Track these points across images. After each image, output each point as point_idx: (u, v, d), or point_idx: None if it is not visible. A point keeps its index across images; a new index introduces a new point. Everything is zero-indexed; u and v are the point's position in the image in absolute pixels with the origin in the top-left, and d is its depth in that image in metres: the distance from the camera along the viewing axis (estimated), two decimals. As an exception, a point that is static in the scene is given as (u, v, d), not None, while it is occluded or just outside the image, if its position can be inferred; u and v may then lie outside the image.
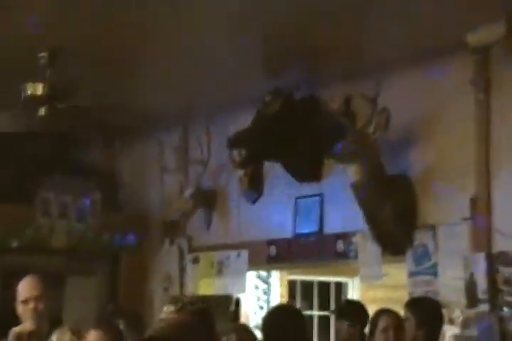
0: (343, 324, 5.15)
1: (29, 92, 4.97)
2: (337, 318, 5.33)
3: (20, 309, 3.85)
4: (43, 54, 5.00)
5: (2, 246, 6.34)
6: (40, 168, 6.78)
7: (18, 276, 6.43)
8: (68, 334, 3.92)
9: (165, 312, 2.37)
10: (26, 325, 3.74)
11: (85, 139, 7.15)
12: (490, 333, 4.57)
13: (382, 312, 4.72)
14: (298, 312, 3.89)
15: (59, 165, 6.99)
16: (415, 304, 4.56)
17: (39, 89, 4.96)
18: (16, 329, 3.71)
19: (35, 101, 5.02)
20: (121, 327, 4.86)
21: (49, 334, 3.82)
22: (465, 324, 4.74)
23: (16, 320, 5.48)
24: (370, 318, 4.84)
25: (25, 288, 3.90)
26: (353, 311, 5.19)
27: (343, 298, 6.96)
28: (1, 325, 4.20)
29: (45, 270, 6.79)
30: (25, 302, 3.82)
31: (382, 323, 4.62)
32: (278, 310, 3.95)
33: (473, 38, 4.52)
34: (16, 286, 3.89)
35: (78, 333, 3.93)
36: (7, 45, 4.92)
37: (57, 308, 6.59)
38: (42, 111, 5.09)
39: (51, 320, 4.01)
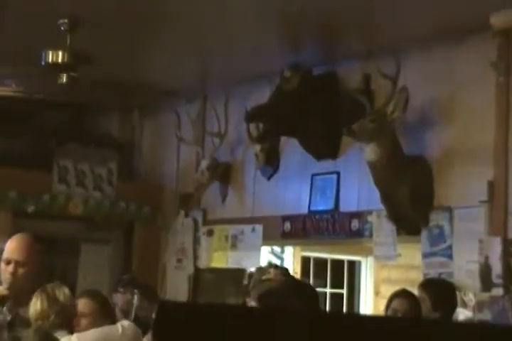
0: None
1: (50, 59, 4.94)
2: None
3: (1, 267, 3.73)
4: (63, 20, 4.96)
5: (19, 211, 6.37)
6: (59, 137, 6.79)
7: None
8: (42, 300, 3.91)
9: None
10: (1, 288, 3.67)
11: (104, 109, 7.15)
12: (503, 317, 4.54)
13: (395, 296, 4.68)
14: (311, 288, 3.87)
15: (78, 133, 7.00)
16: (430, 285, 4.54)
17: (60, 56, 4.93)
18: None
19: (56, 68, 4.99)
20: (136, 297, 4.90)
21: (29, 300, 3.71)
22: (478, 307, 4.71)
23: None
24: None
25: (11, 247, 3.74)
26: None
27: (356, 276, 6.94)
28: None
29: (60, 236, 6.93)
30: (7, 262, 3.70)
31: (393, 305, 4.59)
32: (292, 285, 3.92)
33: (497, 20, 4.44)
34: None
35: (50, 298, 3.93)
36: (29, 11, 4.89)
37: (72, 276, 6.67)
38: (62, 79, 5.07)
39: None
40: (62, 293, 3.84)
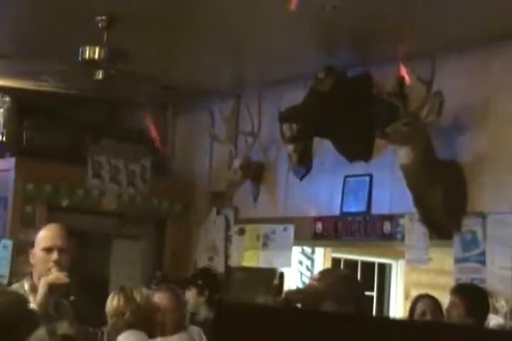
0: (190, 291, 5.19)
1: (87, 55, 4.98)
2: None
3: (37, 257, 3.55)
4: (101, 17, 4.99)
5: (53, 205, 6.43)
6: (94, 132, 6.84)
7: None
8: (119, 297, 3.87)
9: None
10: (59, 275, 3.49)
11: (139, 105, 7.18)
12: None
13: (419, 298, 4.68)
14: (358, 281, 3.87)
15: (112, 129, 7.04)
16: (464, 290, 4.51)
17: (96, 52, 4.96)
18: (49, 280, 3.47)
19: (92, 64, 5.03)
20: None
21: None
22: (510, 314, 4.66)
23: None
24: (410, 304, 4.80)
25: (50, 234, 3.59)
26: (204, 278, 5.21)
27: (386, 279, 6.90)
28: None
29: (93, 231, 6.98)
30: (49, 250, 3.54)
31: (419, 308, 4.60)
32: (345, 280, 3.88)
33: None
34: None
35: (128, 296, 3.89)
36: (67, 6, 4.92)
37: (105, 271, 6.71)
38: (98, 75, 5.10)
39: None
40: (139, 293, 3.88)
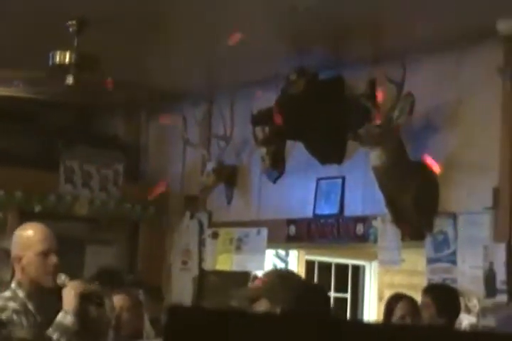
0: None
1: (57, 60, 4.96)
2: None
3: (30, 261, 3.27)
4: (72, 22, 4.98)
5: (25, 211, 6.38)
6: (65, 138, 6.81)
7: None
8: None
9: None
10: (81, 283, 3.27)
11: (110, 110, 7.16)
12: (508, 323, 4.53)
13: (397, 299, 4.67)
14: (325, 292, 3.84)
15: (84, 135, 7.02)
16: (435, 291, 4.53)
17: (67, 57, 4.94)
18: (79, 288, 3.23)
19: (63, 69, 5.01)
20: (141, 297, 4.91)
21: None
22: (482, 313, 4.70)
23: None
24: (385, 303, 4.81)
25: (43, 237, 3.30)
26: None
27: (360, 281, 6.94)
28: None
29: (66, 236, 6.92)
30: (46, 254, 3.26)
31: (399, 311, 4.57)
32: (305, 289, 3.90)
33: (504, 26, 4.43)
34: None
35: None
36: (37, 12, 4.90)
37: (78, 275, 6.67)
38: (69, 80, 5.08)
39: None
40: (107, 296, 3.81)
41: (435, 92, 5.04)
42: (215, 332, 1.46)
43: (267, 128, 5.67)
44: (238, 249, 6.28)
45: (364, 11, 4.57)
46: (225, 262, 6.39)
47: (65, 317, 3.21)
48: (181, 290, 6.67)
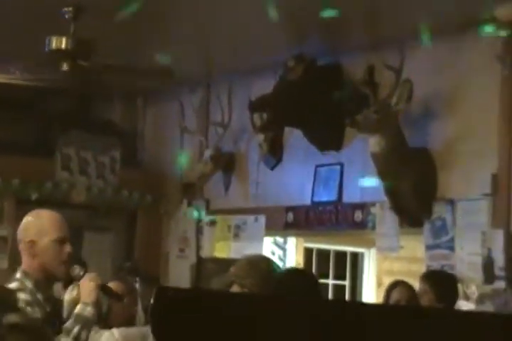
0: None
1: (53, 46, 4.93)
2: None
3: (45, 248, 3.11)
4: (68, 8, 4.95)
5: (22, 198, 6.37)
6: (62, 124, 6.79)
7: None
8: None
9: None
10: (94, 274, 3.18)
11: (108, 96, 7.13)
12: (506, 310, 4.53)
13: (395, 285, 4.69)
14: (312, 276, 3.84)
15: (81, 121, 6.99)
16: (433, 277, 4.54)
17: (63, 43, 4.91)
18: (99, 280, 3.16)
19: (59, 55, 4.98)
20: (137, 285, 4.90)
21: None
22: (480, 300, 4.70)
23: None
24: (384, 290, 4.82)
25: (59, 224, 3.19)
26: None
27: (359, 268, 6.94)
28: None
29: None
30: (61, 242, 3.14)
31: (394, 296, 4.60)
32: (291, 273, 3.90)
33: (502, 13, 4.41)
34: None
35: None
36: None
37: (75, 264, 6.66)
38: (65, 66, 5.05)
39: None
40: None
41: (433, 79, 5.02)
42: (201, 312, 1.44)
43: (264, 115, 5.64)
44: (236, 236, 6.27)
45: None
46: (223, 249, 6.39)
47: (85, 309, 3.12)
48: (179, 277, 6.66)
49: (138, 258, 6.75)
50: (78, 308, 3.14)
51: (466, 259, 4.79)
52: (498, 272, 4.61)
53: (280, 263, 6.56)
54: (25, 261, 3.18)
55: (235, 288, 3.12)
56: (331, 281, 6.94)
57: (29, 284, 3.14)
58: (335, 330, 1.36)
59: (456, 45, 4.90)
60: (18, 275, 3.18)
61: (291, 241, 6.53)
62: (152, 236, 6.88)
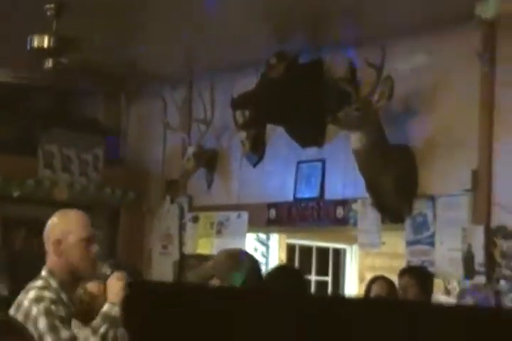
0: None
1: (35, 44, 4.92)
2: None
3: (73, 248, 3.09)
4: (50, 5, 4.94)
5: (4, 196, 6.35)
6: (44, 122, 6.77)
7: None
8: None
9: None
10: (121, 274, 3.17)
11: (90, 94, 7.12)
12: (486, 305, 4.57)
13: (375, 280, 4.75)
14: (298, 272, 3.87)
15: (63, 118, 6.98)
16: (416, 271, 4.61)
17: (45, 41, 4.91)
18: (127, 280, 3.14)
19: (41, 53, 4.97)
20: None
21: None
22: (461, 295, 4.75)
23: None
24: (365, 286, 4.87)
25: (87, 223, 3.15)
26: None
27: (341, 264, 6.98)
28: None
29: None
30: (89, 241, 3.12)
31: (375, 290, 4.66)
32: (278, 270, 3.94)
33: (482, 10, 4.45)
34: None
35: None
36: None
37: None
38: (48, 64, 5.05)
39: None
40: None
41: (414, 76, 5.05)
42: (175, 306, 1.44)
43: (247, 112, 5.67)
44: (219, 232, 6.29)
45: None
46: (206, 246, 6.41)
47: (113, 308, 3.09)
48: (161, 274, 6.67)
49: (121, 254, 6.75)
50: (106, 307, 3.11)
51: (446, 255, 4.83)
52: (478, 267, 4.65)
53: (263, 260, 6.60)
54: (51, 260, 3.16)
55: (215, 282, 3.14)
56: (313, 277, 6.98)
57: (54, 283, 3.12)
58: (320, 324, 1.37)
59: (436, 42, 4.94)
60: (43, 273, 3.16)
61: (274, 238, 6.56)
62: (135, 233, 6.89)
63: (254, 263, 3.33)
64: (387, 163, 4.93)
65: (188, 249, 6.54)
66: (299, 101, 5.39)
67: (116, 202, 6.86)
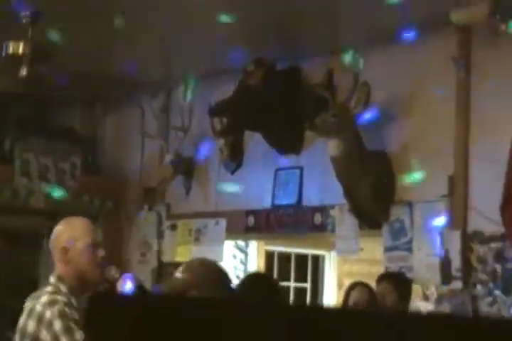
0: None
1: (10, 51, 4.89)
2: None
3: (80, 253, 3.13)
4: (25, 12, 4.92)
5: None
6: (20, 130, 6.73)
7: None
8: None
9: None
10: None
11: (67, 102, 7.09)
12: (462, 310, 4.60)
13: (354, 286, 4.75)
14: (271, 280, 3.87)
15: (40, 127, 6.94)
16: (394, 277, 4.62)
17: (20, 48, 4.88)
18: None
19: (16, 60, 4.94)
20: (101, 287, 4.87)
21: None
22: (439, 300, 4.77)
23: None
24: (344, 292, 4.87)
25: (92, 229, 3.22)
26: None
27: (320, 271, 6.98)
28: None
29: (22, 230, 6.86)
30: (94, 246, 3.16)
31: (353, 296, 4.66)
32: (251, 277, 3.94)
33: (457, 17, 4.48)
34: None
35: None
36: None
37: (35, 271, 6.61)
38: (23, 72, 5.02)
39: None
40: None
41: (391, 82, 5.08)
42: (140, 319, 1.43)
43: (224, 120, 5.67)
44: (197, 240, 6.28)
45: (320, 1, 4.59)
46: (184, 253, 6.39)
47: None
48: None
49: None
50: None
51: (424, 260, 4.85)
52: (454, 273, 4.68)
53: (242, 267, 6.59)
54: (59, 268, 3.18)
55: (193, 293, 3.13)
56: (292, 284, 6.98)
57: (63, 288, 3.12)
58: (298, 334, 1.36)
59: (412, 48, 4.97)
60: (52, 279, 3.17)
61: (253, 245, 6.56)
62: (113, 242, 6.84)
63: (222, 272, 3.33)
64: (365, 169, 4.95)
65: (166, 257, 6.52)
66: (276, 107, 5.40)
67: (94, 210, 6.82)
